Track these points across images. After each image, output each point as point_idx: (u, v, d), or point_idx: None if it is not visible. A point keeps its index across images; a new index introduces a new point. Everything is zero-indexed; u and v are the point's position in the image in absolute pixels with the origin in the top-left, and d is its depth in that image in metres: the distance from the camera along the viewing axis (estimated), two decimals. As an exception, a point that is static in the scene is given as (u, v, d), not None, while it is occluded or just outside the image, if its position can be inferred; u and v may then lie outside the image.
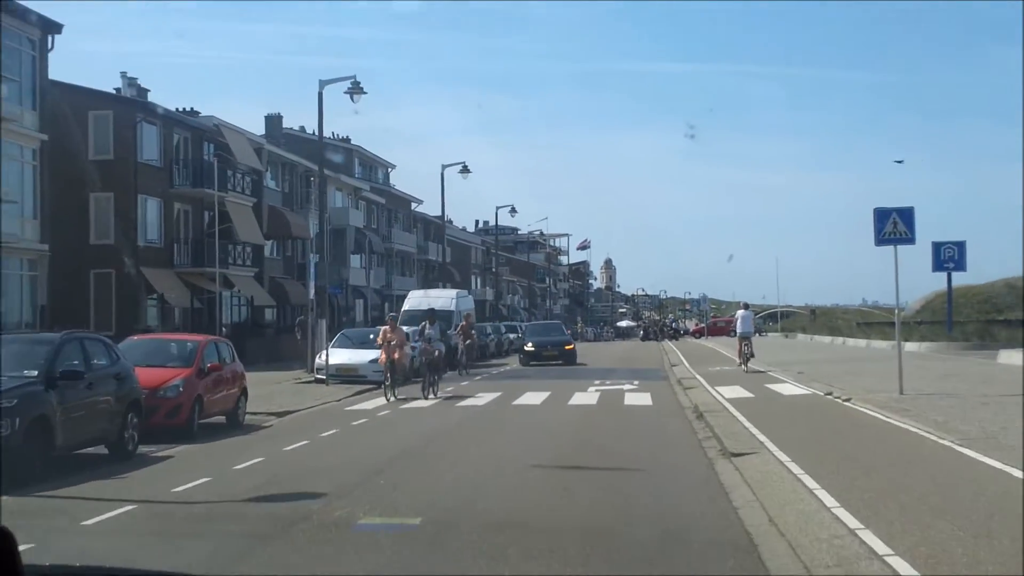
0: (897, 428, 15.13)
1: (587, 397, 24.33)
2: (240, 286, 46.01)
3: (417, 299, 42.38)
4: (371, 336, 32.07)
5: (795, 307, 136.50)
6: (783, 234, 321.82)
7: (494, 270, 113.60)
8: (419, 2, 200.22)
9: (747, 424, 16.47)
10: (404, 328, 35.37)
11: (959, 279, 43.26)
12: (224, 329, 43.48)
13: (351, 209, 63.64)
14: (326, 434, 17.34)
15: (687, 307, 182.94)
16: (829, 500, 9.57)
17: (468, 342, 36.34)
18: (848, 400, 19.56)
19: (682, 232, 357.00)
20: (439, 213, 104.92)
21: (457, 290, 46.25)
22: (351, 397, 25.99)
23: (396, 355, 25.32)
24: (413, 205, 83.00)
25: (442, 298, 42.35)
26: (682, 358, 43.52)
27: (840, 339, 53.68)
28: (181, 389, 17.33)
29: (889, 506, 9.14)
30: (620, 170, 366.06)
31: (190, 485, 11.72)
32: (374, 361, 30.20)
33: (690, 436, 16.30)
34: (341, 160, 69.97)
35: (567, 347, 42.52)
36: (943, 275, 38.77)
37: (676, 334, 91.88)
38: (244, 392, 20.01)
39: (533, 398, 24.02)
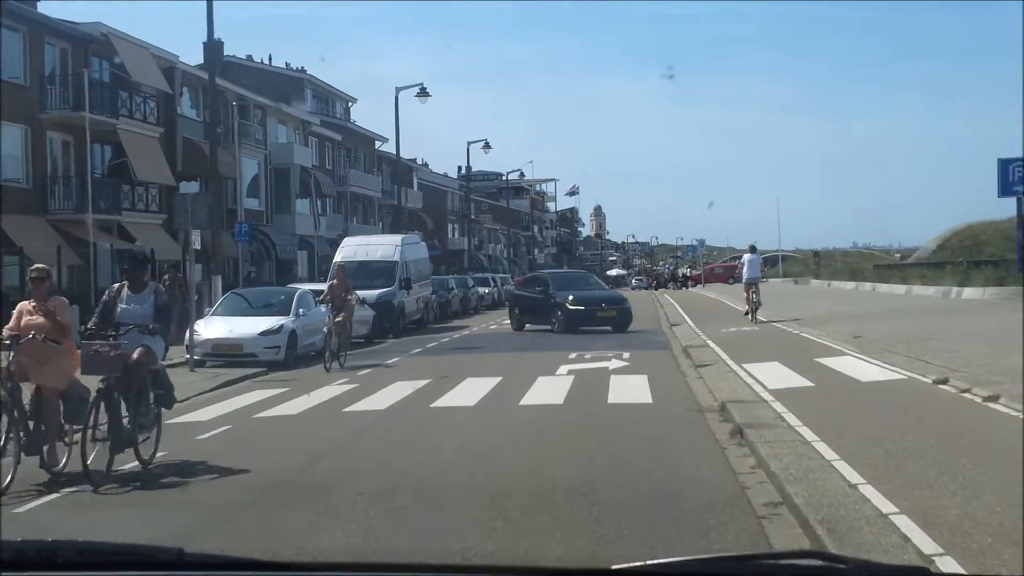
0: None
1: (553, 386, 16.05)
2: (142, 237, 37.47)
3: (351, 248, 33.99)
4: (280, 297, 23.87)
5: (787, 251, 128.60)
6: (770, 177, 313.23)
7: (472, 216, 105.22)
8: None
9: (843, 467, 8.25)
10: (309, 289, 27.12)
11: (963, 215, 35.01)
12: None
13: (296, 145, 54.99)
14: (47, 497, 9.06)
15: (678, 254, 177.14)
16: None
17: (339, 318, 21.72)
18: (994, 399, 11.32)
19: (671, 177, 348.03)
20: (411, 156, 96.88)
21: (404, 235, 37.87)
22: (213, 392, 17.74)
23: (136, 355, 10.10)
24: (378, 144, 74.25)
25: (383, 245, 33.92)
26: (683, 313, 35.36)
27: (867, 285, 45.47)
28: None
29: None
30: (606, 115, 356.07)
31: None
32: (268, 333, 22.05)
33: (737, 501, 7.99)
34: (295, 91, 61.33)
35: (624, 305, 30.23)
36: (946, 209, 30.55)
37: (684, 282, 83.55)
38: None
39: (470, 392, 15.66)
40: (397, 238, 35.29)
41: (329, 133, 62.92)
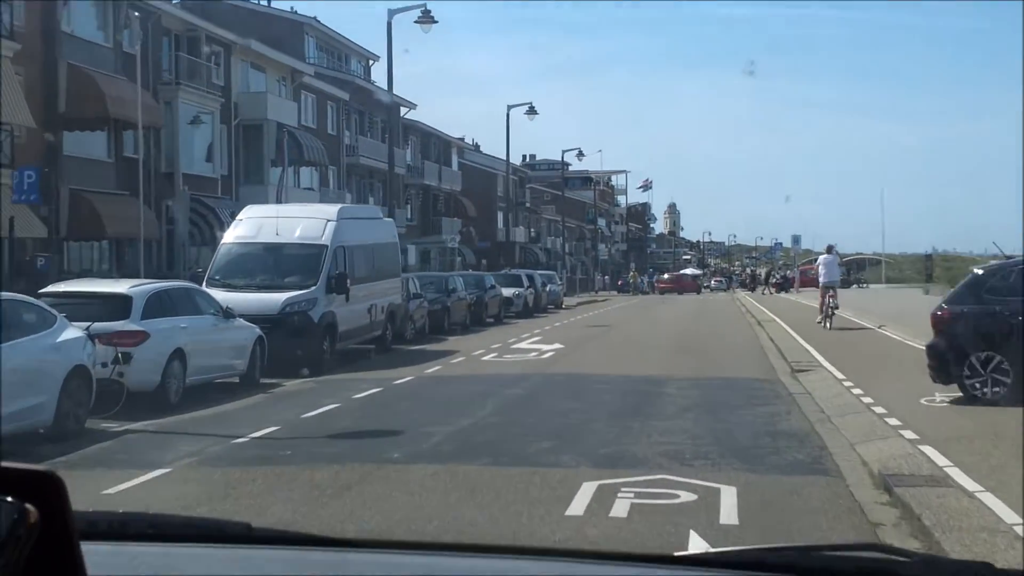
0: None
1: None
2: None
3: (253, 222, 20.52)
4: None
5: (866, 255, 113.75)
6: (844, 179, 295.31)
7: (527, 205, 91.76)
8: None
9: None
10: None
11: None
12: None
13: (273, 97, 41.79)
14: None
15: (754, 254, 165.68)
16: None
17: None
18: None
19: (749, 177, 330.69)
20: (460, 135, 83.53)
21: (343, 206, 24.15)
22: None
23: None
24: (404, 111, 60.89)
25: (305, 220, 20.38)
26: (802, 342, 21.77)
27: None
28: None
29: None
30: (682, 113, 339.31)
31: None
32: None
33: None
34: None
35: None
36: None
37: (784, 286, 70.01)
38: None
39: None
40: (331, 209, 21.61)
41: (332, 89, 49.77)
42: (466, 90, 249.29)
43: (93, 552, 1.52)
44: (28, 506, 1.32)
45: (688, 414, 12.30)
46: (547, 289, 45.70)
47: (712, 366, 18.41)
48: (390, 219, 25.66)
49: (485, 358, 20.84)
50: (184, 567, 2.00)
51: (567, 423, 11.58)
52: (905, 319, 27.44)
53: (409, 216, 62.68)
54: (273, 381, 16.83)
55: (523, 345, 23.89)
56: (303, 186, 45.04)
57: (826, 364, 17.39)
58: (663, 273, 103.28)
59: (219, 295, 18.13)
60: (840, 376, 15.50)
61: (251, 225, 20.31)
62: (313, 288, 19.05)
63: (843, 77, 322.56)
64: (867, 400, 12.81)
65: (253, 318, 17.46)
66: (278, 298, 18.60)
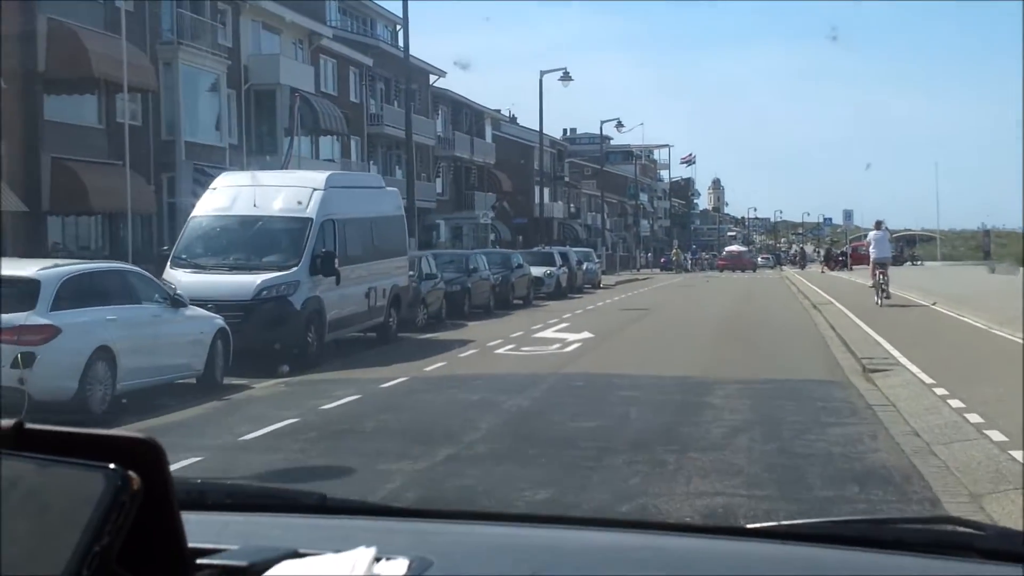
0: None
1: None
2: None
3: (229, 191, 17.64)
4: None
5: (915, 231, 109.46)
6: (886, 157, 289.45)
7: (566, 179, 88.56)
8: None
9: None
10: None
11: None
12: None
13: (286, 59, 38.96)
14: None
15: (800, 230, 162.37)
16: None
17: None
18: None
19: (795, 153, 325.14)
20: (502, 107, 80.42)
21: (333, 172, 20.93)
22: None
23: None
24: (433, 79, 57.99)
25: (287, 189, 17.50)
26: (864, 326, 18.75)
27: None
28: None
29: None
30: (731, 89, 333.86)
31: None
32: None
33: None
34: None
35: None
36: None
37: (845, 262, 68.24)
38: None
39: None
40: (319, 176, 18.68)
41: (354, 54, 46.89)
42: (511, 63, 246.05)
43: (183, 520, 1.50)
44: (131, 473, 1.32)
45: (740, 439, 9.35)
46: (583, 267, 42.66)
47: (766, 363, 15.42)
48: (394, 188, 22.60)
49: (500, 351, 17.95)
50: (265, 535, 1.86)
51: (577, 455, 8.66)
52: (978, 301, 24.31)
53: (440, 190, 59.90)
54: (240, 382, 14.10)
55: (547, 334, 20.99)
56: (323, 157, 42.32)
57: (904, 361, 14.34)
58: (720, 251, 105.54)
59: (184, 277, 15.57)
60: (927, 379, 12.47)
61: (225, 195, 17.45)
62: (295, 269, 16.24)
63: (894, 51, 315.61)
64: (973, 418, 9.82)
65: (223, 304, 14.83)
66: (252, 280, 15.82)
